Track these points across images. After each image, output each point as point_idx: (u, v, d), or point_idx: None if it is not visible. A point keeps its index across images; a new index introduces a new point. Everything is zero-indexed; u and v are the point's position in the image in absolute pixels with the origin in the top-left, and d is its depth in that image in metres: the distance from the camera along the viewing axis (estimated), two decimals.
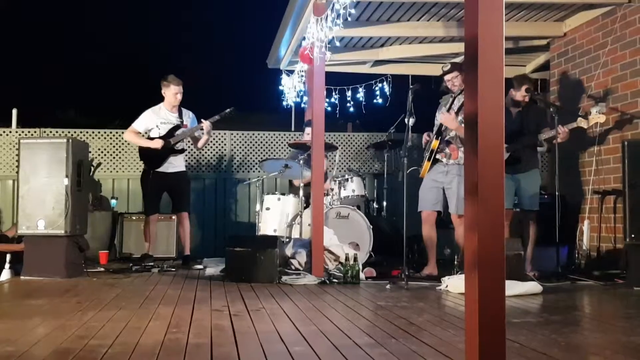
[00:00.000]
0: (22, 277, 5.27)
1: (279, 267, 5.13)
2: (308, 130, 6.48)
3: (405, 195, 4.93)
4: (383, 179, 7.27)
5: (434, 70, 7.83)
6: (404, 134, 5.16)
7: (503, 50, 2.22)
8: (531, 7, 6.30)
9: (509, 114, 5.51)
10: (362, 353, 2.61)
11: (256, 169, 8.15)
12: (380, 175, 7.54)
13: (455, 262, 5.12)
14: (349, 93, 7.57)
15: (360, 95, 7.53)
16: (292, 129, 8.91)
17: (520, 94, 5.54)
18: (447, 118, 5.33)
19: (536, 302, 4.21)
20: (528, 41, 7.21)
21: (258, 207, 6.58)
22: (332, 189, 6.43)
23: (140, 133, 6.46)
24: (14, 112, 8.13)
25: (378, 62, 7.95)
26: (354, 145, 8.52)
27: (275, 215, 6.23)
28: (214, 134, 6.84)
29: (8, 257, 5.44)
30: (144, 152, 6.38)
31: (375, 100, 7.53)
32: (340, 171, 7.37)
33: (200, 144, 6.58)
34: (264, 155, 8.24)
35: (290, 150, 7.45)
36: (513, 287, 4.27)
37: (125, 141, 7.64)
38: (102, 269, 5.95)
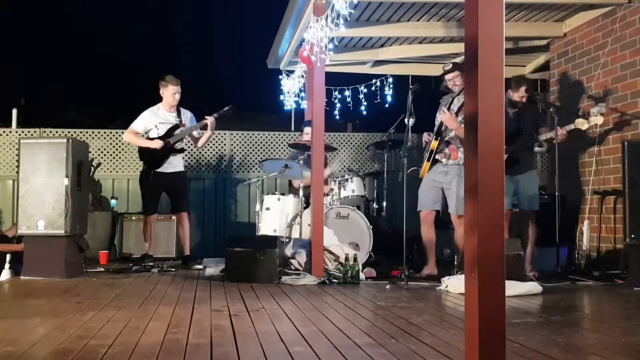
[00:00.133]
0: (22, 277, 5.27)
1: (278, 267, 5.13)
2: (307, 130, 6.47)
3: (405, 195, 4.93)
4: (383, 179, 7.27)
5: (433, 70, 7.83)
6: (403, 134, 5.17)
7: (503, 50, 2.22)
8: (531, 8, 6.30)
9: (507, 115, 5.50)
10: (362, 353, 2.61)
11: (256, 169, 8.15)
12: (380, 175, 7.54)
13: (455, 263, 5.12)
14: (348, 93, 7.58)
15: (360, 95, 7.54)
16: (292, 129, 8.91)
17: (518, 95, 5.54)
18: (447, 117, 5.33)
19: (536, 302, 4.21)
20: (528, 41, 7.21)
21: (258, 207, 6.58)
22: (332, 189, 6.43)
23: (139, 133, 6.46)
24: (14, 112, 8.13)
25: (378, 62, 7.95)
26: (354, 146, 8.52)
27: (275, 215, 6.23)
28: (213, 134, 6.83)
29: (8, 257, 5.44)
30: (144, 152, 6.38)
31: (375, 101, 7.53)
32: (340, 170, 7.38)
33: (200, 143, 6.58)
34: (264, 156, 8.24)
35: (290, 151, 7.45)
36: (513, 288, 4.27)
37: (125, 141, 7.64)
38: (102, 269, 5.95)
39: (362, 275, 5.19)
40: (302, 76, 7.46)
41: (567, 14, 6.59)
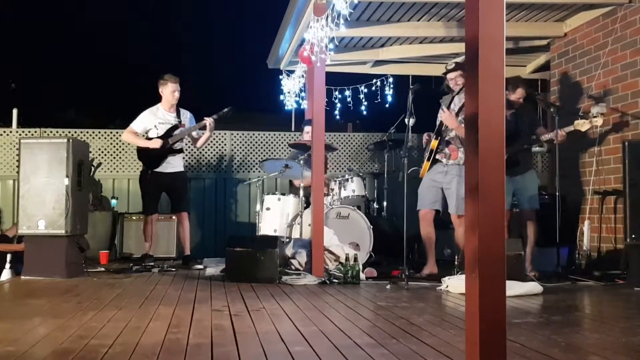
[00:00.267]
0: (22, 277, 5.27)
1: (279, 267, 5.13)
2: (307, 129, 6.47)
3: (406, 195, 4.93)
4: (383, 179, 7.27)
5: (434, 70, 7.84)
6: (404, 134, 5.16)
7: (504, 50, 2.22)
8: (531, 8, 6.30)
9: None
10: (363, 353, 2.61)
11: (256, 169, 8.15)
12: (380, 175, 7.54)
13: (456, 263, 5.12)
14: (349, 93, 7.58)
15: (361, 95, 7.54)
16: (292, 129, 8.91)
17: (514, 97, 5.54)
18: (446, 116, 5.33)
19: (536, 302, 4.21)
20: (528, 41, 7.21)
21: (258, 207, 6.58)
22: (332, 189, 6.43)
23: (138, 134, 6.46)
24: (15, 112, 8.13)
25: (378, 62, 7.95)
26: (354, 145, 8.52)
27: (275, 215, 6.23)
28: (213, 134, 6.84)
29: (8, 257, 5.45)
30: (142, 152, 6.39)
31: (375, 101, 7.53)
32: (340, 170, 7.38)
33: (199, 144, 6.58)
34: (264, 156, 8.24)
35: (290, 151, 7.45)
36: (513, 288, 4.27)
37: (125, 141, 7.64)
38: (103, 269, 5.95)
39: (362, 275, 5.20)
40: (303, 76, 7.46)
41: (568, 13, 6.59)
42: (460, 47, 7.03)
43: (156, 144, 6.25)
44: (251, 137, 8.38)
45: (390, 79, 7.46)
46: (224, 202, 8.18)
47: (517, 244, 4.87)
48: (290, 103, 7.91)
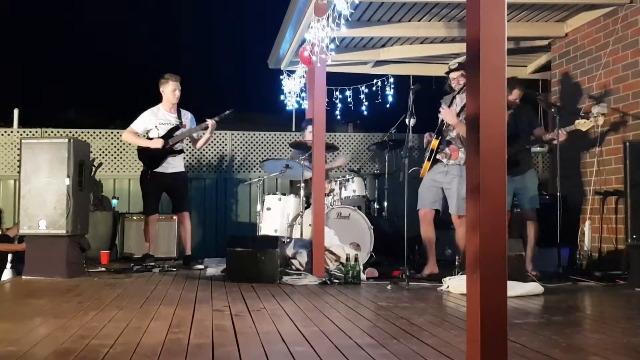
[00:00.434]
0: (23, 277, 5.27)
1: (280, 268, 5.13)
2: (310, 128, 6.47)
3: (406, 195, 4.93)
4: (384, 180, 7.27)
5: (435, 70, 7.85)
6: (404, 134, 5.16)
7: (505, 50, 2.22)
8: (532, 8, 6.30)
9: None
10: (363, 353, 2.61)
11: (257, 169, 8.15)
12: (381, 175, 7.54)
13: (456, 263, 5.12)
14: (349, 93, 7.58)
15: (361, 95, 7.54)
16: (293, 129, 8.92)
17: (511, 97, 5.53)
18: (447, 113, 5.33)
19: (537, 302, 4.21)
20: (529, 42, 7.20)
21: (259, 207, 6.58)
22: (332, 190, 6.43)
23: (138, 134, 6.46)
24: (16, 112, 8.13)
25: (379, 63, 7.95)
26: (354, 146, 8.52)
27: (276, 215, 6.23)
28: (214, 134, 6.84)
29: (10, 256, 5.46)
30: (143, 153, 6.39)
31: (376, 101, 7.53)
32: (341, 170, 7.38)
33: (199, 145, 6.58)
34: (265, 156, 8.24)
35: (291, 151, 7.45)
36: (514, 288, 4.27)
37: (126, 141, 7.64)
38: (103, 269, 5.95)
39: (363, 276, 5.20)
40: (303, 76, 7.47)
41: (569, 14, 6.59)
42: (461, 48, 7.03)
43: (157, 144, 6.25)
44: (252, 137, 8.38)
45: (391, 79, 7.47)
46: (225, 202, 8.18)
47: (518, 245, 4.87)
48: (291, 103, 7.92)
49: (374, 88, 7.48)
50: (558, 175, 5.56)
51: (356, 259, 5.11)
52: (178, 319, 3.38)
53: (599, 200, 6.27)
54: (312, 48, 5.42)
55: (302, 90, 7.72)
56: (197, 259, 6.60)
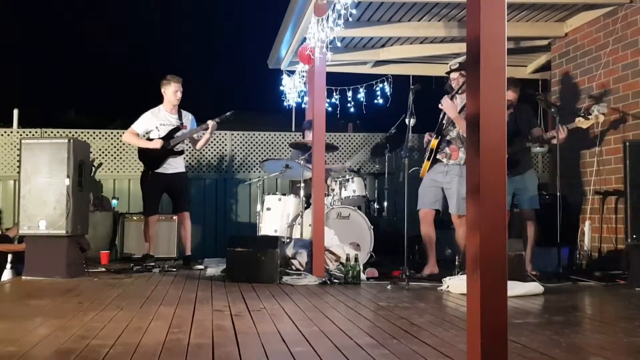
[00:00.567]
0: (23, 277, 5.27)
1: (279, 268, 5.13)
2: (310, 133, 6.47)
3: (406, 195, 4.93)
4: (384, 180, 7.27)
5: (434, 70, 7.85)
6: (404, 134, 5.16)
7: (505, 50, 2.22)
8: (532, 8, 6.30)
9: None
10: (364, 353, 2.61)
11: (257, 169, 8.15)
12: (381, 175, 7.54)
13: (456, 263, 5.12)
14: (349, 93, 7.59)
15: (361, 95, 7.54)
16: (293, 129, 8.92)
17: (509, 98, 5.52)
18: (448, 105, 5.31)
19: (537, 302, 4.21)
20: (529, 41, 7.20)
21: (259, 207, 6.58)
22: (332, 190, 6.43)
23: (139, 135, 6.46)
24: (16, 112, 8.13)
25: (379, 63, 7.94)
26: (354, 146, 8.52)
27: (276, 215, 6.23)
28: (214, 134, 6.84)
29: (9, 257, 5.45)
30: (144, 153, 6.39)
31: (376, 101, 7.53)
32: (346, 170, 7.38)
33: (199, 145, 6.58)
34: (265, 156, 8.25)
35: (290, 151, 7.45)
36: (514, 288, 4.27)
37: (126, 142, 7.64)
38: (103, 269, 5.95)
39: (363, 276, 5.20)
40: (303, 76, 7.47)
41: (569, 14, 6.59)
42: (460, 47, 7.03)
43: (157, 144, 6.25)
44: (252, 137, 8.38)
45: (391, 79, 7.47)
46: (225, 202, 8.18)
47: (518, 244, 4.87)
48: (290, 103, 7.92)
49: (374, 88, 7.48)
50: (558, 175, 5.56)
51: (356, 259, 5.11)
52: (178, 319, 3.37)
53: (598, 200, 6.27)
54: (312, 48, 5.43)
55: (301, 91, 7.73)
56: (197, 259, 6.61)
